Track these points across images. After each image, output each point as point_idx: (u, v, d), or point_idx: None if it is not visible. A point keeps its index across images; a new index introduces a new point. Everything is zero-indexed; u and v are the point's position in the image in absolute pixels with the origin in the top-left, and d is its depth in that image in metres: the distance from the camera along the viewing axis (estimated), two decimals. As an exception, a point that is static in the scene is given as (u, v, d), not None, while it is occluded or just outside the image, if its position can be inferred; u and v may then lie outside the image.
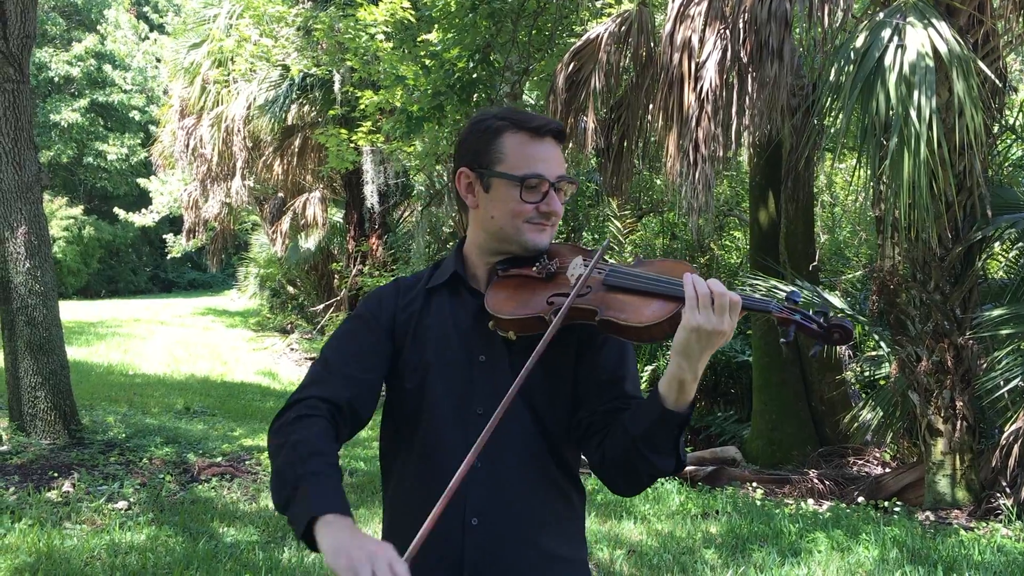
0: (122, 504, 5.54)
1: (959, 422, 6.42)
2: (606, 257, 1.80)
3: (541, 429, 1.74)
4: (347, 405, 1.70)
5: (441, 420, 1.73)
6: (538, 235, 1.77)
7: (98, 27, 35.50)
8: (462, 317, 1.79)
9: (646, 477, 1.67)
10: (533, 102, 12.07)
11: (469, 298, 1.81)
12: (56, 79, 33.98)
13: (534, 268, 1.77)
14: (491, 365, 1.74)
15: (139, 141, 35.13)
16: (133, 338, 17.62)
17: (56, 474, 5.99)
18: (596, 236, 13.63)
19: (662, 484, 6.87)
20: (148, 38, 36.01)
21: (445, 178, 13.92)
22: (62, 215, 32.57)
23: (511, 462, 1.71)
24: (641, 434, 1.60)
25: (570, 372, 1.77)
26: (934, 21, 5.75)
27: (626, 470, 1.66)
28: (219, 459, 6.91)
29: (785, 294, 1.65)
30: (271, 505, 5.75)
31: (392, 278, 14.73)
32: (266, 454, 7.11)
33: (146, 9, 38.57)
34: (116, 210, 30.85)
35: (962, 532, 5.72)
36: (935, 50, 5.66)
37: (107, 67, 35.07)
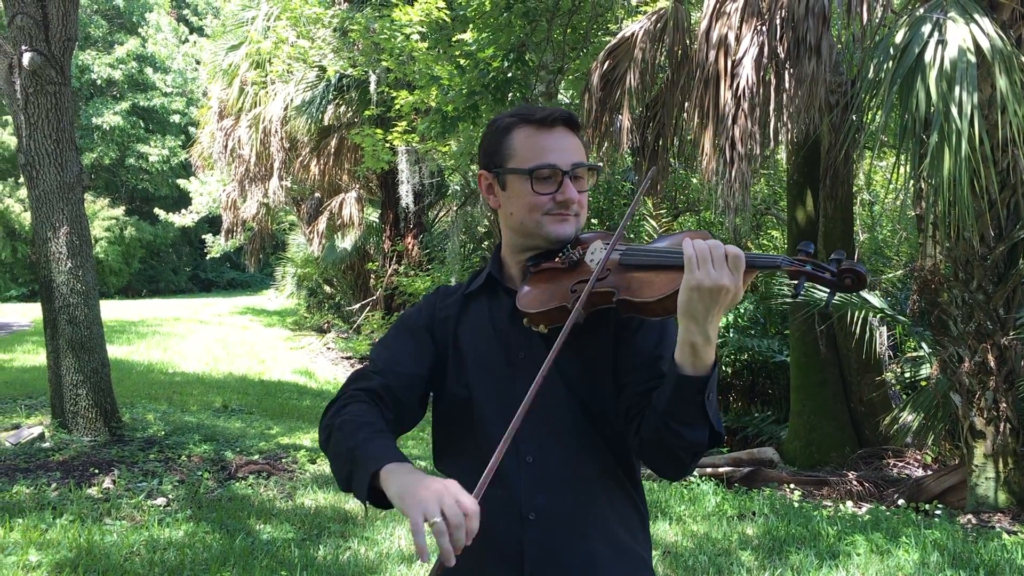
0: (161, 501, 5.61)
1: (1002, 424, 6.31)
2: (632, 238, 1.77)
3: (589, 419, 1.72)
4: (387, 393, 1.72)
5: (490, 421, 1.72)
6: (560, 226, 1.75)
7: (139, 30, 36.05)
8: (500, 318, 1.80)
9: (684, 453, 1.60)
10: (568, 101, 12.05)
11: (506, 298, 1.80)
12: (98, 81, 34.56)
13: (557, 259, 1.76)
14: (531, 361, 1.72)
15: (179, 143, 35.67)
16: (173, 337, 17.85)
17: (97, 471, 6.08)
18: (632, 235, 13.57)
19: (698, 484, 6.82)
20: (188, 40, 36.52)
21: (480, 177, 13.94)
22: (104, 216, 33.18)
23: (563, 455, 1.70)
24: (665, 407, 1.56)
25: (609, 358, 1.74)
26: (976, 16, 5.65)
27: (662, 450, 1.62)
28: (256, 457, 6.97)
29: (802, 244, 1.60)
30: (307, 503, 5.80)
31: (427, 277, 14.68)
32: (302, 452, 7.17)
33: (186, 12, 39.08)
34: (156, 211, 31.36)
35: (1005, 536, 5.62)
36: (977, 45, 5.56)
37: (148, 70, 35.62)
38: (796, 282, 1.57)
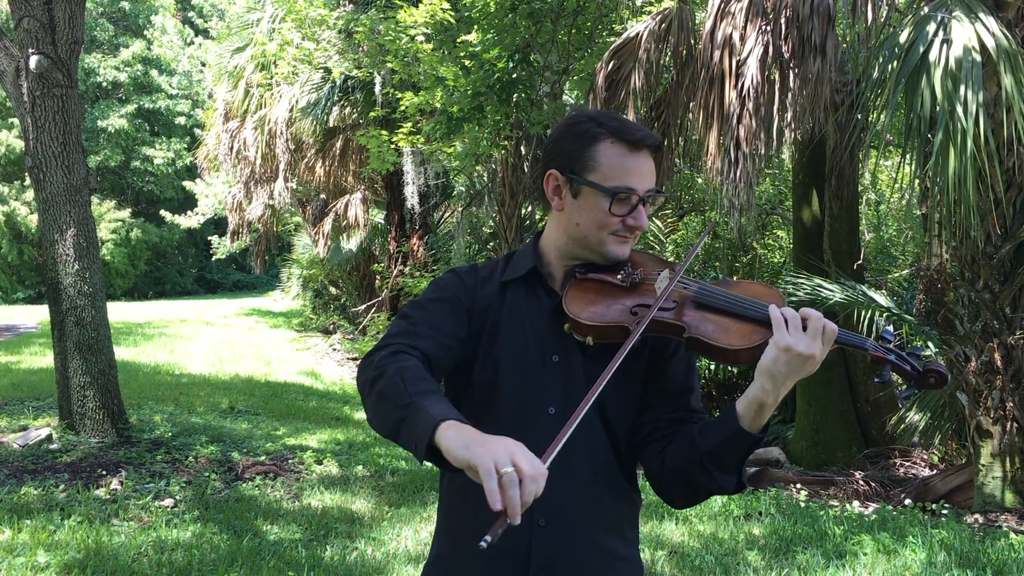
0: (168, 502, 5.63)
1: (1009, 423, 6.29)
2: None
3: (609, 434, 1.74)
4: (434, 362, 1.65)
5: (513, 417, 1.71)
6: (620, 247, 1.75)
7: (145, 32, 36.13)
8: (537, 315, 1.77)
9: (703, 492, 1.67)
10: (573, 101, 12.05)
11: (545, 297, 1.79)
12: (104, 84, 34.65)
13: (619, 276, 1.74)
14: (564, 366, 1.73)
15: (184, 145, 35.74)
16: (179, 338, 17.88)
17: (104, 472, 6.10)
18: (642, 243, 13.55)
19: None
20: (193, 43, 36.59)
21: (485, 178, 13.96)
22: (110, 218, 33.26)
23: (580, 465, 1.70)
24: (710, 450, 1.60)
25: (639, 379, 1.76)
26: (981, 15, 5.64)
27: (685, 483, 1.66)
28: (263, 458, 6.99)
29: (880, 330, 1.64)
30: (314, 503, 5.81)
31: (432, 278, 14.67)
32: (309, 453, 7.18)
33: (191, 14, 39.15)
34: (162, 213, 31.42)
35: (1012, 535, 5.61)
36: (982, 44, 5.56)
37: (153, 72, 35.70)
38: (881, 369, 1.61)
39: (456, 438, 1.35)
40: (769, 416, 1.57)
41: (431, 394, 1.49)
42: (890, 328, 1.52)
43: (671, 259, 1.82)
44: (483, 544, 1.28)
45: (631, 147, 1.72)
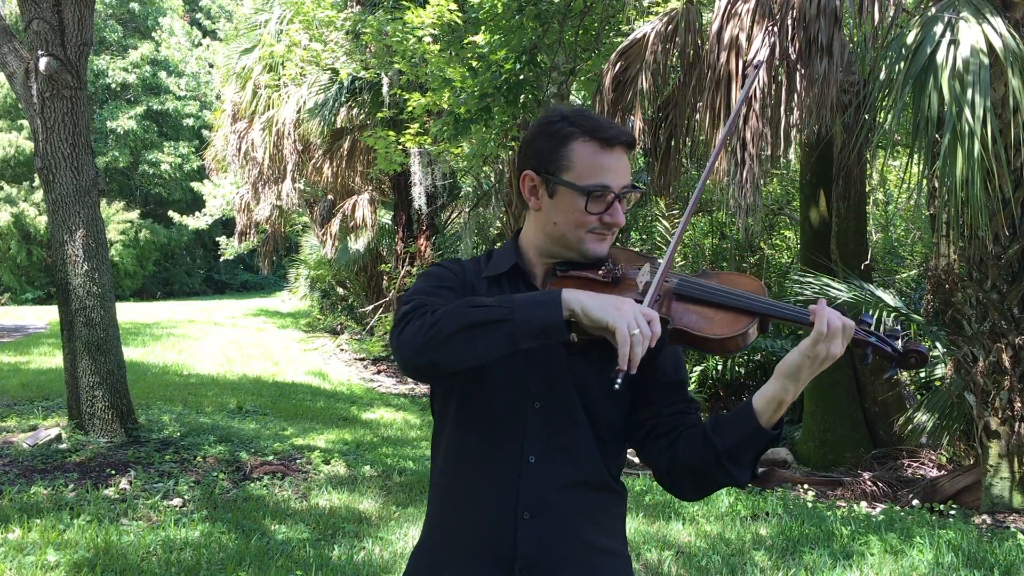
0: (177, 501, 5.65)
1: (1017, 424, 6.28)
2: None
3: (595, 428, 1.75)
4: None
5: (499, 414, 1.74)
6: (598, 244, 1.77)
7: (153, 34, 36.22)
8: None
9: (717, 485, 1.70)
10: (580, 102, 12.05)
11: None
12: (113, 85, 34.76)
13: (600, 272, 1.76)
14: (548, 361, 1.74)
15: (193, 148, 35.80)
16: (187, 339, 17.92)
17: (113, 471, 6.13)
18: (644, 236, 13.56)
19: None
20: (201, 44, 36.65)
21: (492, 179, 13.96)
22: (119, 219, 33.33)
23: (564, 459, 1.72)
24: (728, 448, 1.62)
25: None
26: (988, 16, 5.63)
27: (699, 478, 1.68)
28: (271, 458, 7.01)
29: (861, 315, 1.66)
30: (322, 503, 5.83)
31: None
32: (316, 453, 7.20)
33: (199, 15, 39.24)
34: (171, 214, 31.47)
35: (1020, 536, 5.60)
36: (990, 45, 5.55)
37: (162, 73, 35.80)
38: (863, 352, 1.63)
39: (588, 300, 1.54)
40: (783, 412, 1.61)
41: (511, 296, 1.60)
42: (868, 314, 1.55)
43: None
44: (616, 386, 1.49)
45: (604, 145, 1.74)
